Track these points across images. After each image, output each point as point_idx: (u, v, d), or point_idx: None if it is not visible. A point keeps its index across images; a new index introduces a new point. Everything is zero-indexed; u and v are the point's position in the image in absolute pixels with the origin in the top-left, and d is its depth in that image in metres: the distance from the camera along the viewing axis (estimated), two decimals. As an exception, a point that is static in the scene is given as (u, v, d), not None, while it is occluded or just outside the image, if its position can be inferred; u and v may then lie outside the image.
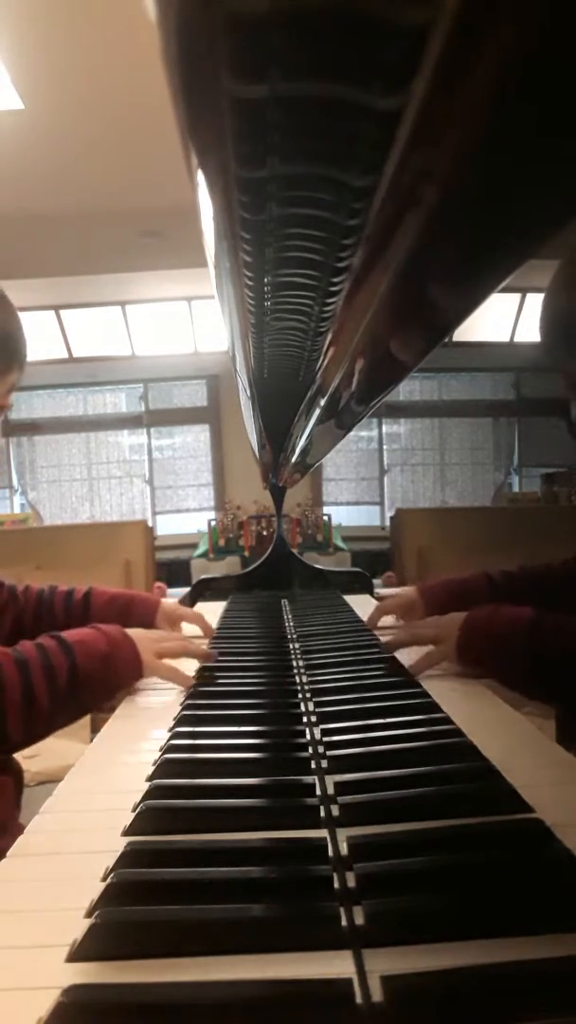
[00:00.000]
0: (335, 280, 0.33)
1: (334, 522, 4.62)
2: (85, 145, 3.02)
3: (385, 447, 6.48)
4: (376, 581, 1.70)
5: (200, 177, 0.25)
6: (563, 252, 0.67)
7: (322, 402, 0.68)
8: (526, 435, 6.36)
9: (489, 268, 0.29)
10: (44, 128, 2.90)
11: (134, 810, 0.48)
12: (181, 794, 0.51)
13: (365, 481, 6.46)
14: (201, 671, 0.85)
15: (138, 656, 0.79)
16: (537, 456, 6.22)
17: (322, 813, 0.47)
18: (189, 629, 1.17)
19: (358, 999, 0.30)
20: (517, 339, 5.09)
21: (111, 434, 6.48)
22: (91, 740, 0.67)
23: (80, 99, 2.72)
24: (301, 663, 0.90)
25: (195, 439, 6.42)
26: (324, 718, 0.66)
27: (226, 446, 6.20)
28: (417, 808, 0.46)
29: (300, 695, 0.75)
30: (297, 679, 0.83)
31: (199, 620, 1.15)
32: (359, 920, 0.35)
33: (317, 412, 0.74)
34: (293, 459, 1.22)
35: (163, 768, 0.56)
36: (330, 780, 0.51)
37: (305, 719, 0.67)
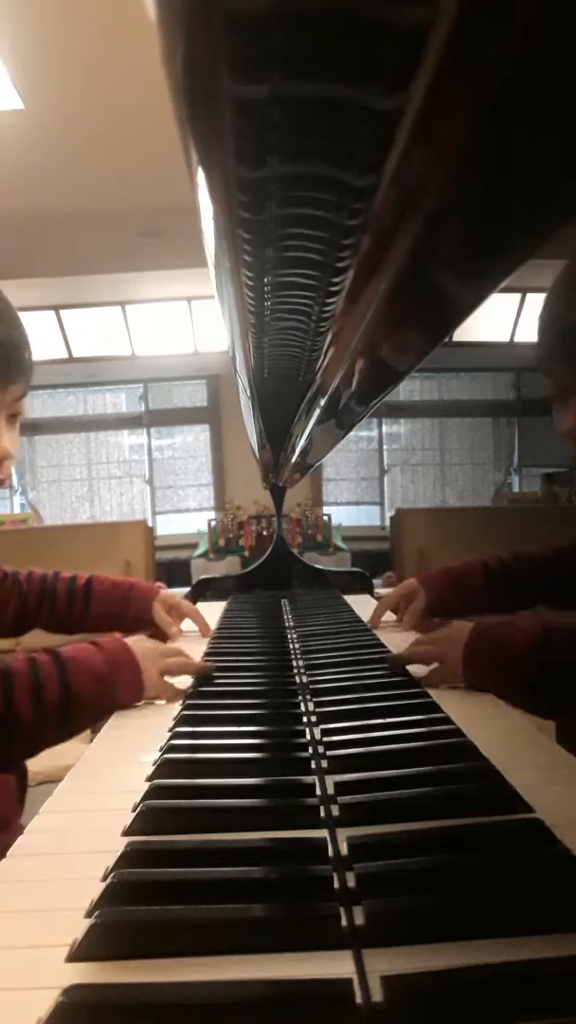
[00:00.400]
0: (335, 280, 0.33)
1: (334, 522, 4.62)
2: (85, 145, 3.02)
3: (385, 447, 6.48)
4: (376, 581, 1.70)
5: (200, 177, 0.25)
6: (567, 253, 0.66)
7: (322, 402, 0.68)
8: (526, 435, 6.36)
9: (489, 268, 0.29)
10: (44, 128, 2.90)
11: (134, 810, 0.48)
12: (181, 794, 0.51)
13: (365, 481, 6.47)
14: (198, 681, 0.82)
15: (139, 677, 0.75)
16: (537, 456, 6.22)
17: (322, 813, 0.47)
18: (187, 627, 1.17)
19: (358, 999, 0.30)
20: (517, 339, 5.09)
21: (111, 434, 6.48)
22: (91, 740, 0.67)
23: (80, 99, 2.71)
24: (301, 663, 0.90)
25: (195, 439, 6.42)
26: (324, 718, 0.66)
27: (226, 446, 6.20)
28: (417, 808, 0.46)
29: (300, 695, 0.75)
30: (297, 679, 0.83)
31: (197, 616, 1.16)
32: (359, 920, 0.35)
33: (317, 412, 0.74)
34: (293, 459, 1.22)
35: (163, 768, 0.56)
36: (330, 780, 0.51)
37: (305, 719, 0.67)
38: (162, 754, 0.59)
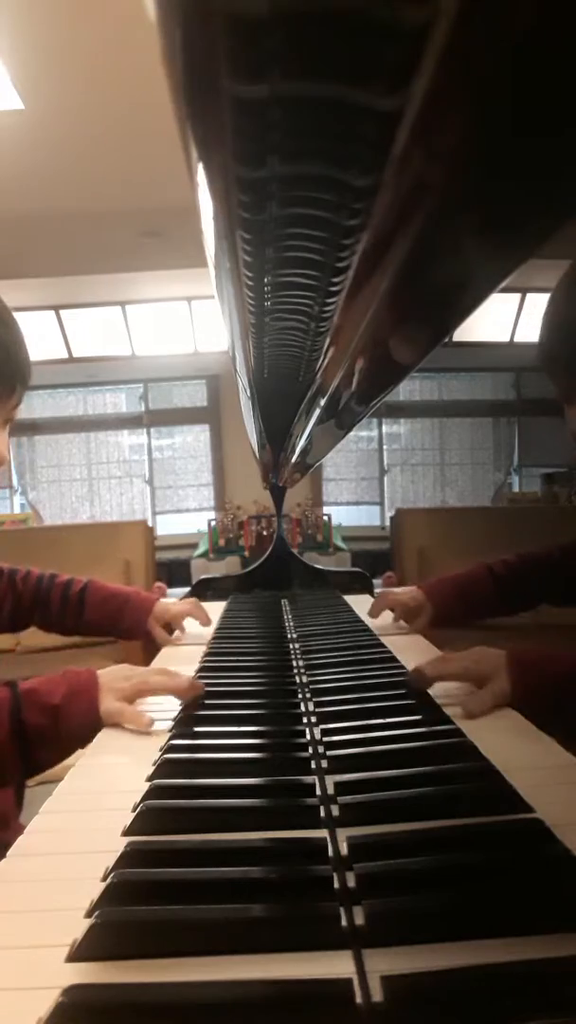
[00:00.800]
0: (335, 280, 0.33)
1: (334, 522, 4.62)
2: (85, 145, 3.02)
3: (385, 447, 6.48)
4: (376, 581, 1.70)
5: (200, 177, 0.25)
6: (568, 253, 0.66)
7: (322, 402, 0.68)
8: (526, 435, 6.36)
9: (489, 268, 0.29)
10: (44, 128, 2.90)
11: (134, 810, 0.48)
12: (181, 794, 0.51)
13: (365, 481, 6.46)
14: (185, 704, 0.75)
15: (95, 705, 0.68)
16: (537, 456, 6.22)
17: (322, 813, 0.47)
18: (191, 626, 1.17)
19: (358, 999, 0.30)
20: (517, 339, 5.08)
21: (111, 434, 6.48)
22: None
23: (80, 99, 2.71)
24: (301, 663, 0.90)
25: (195, 439, 6.42)
26: (324, 718, 0.66)
27: (226, 446, 6.20)
28: (417, 808, 0.46)
29: (300, 695, 0.75)
30: (297, 679, 0.83)
31: (194, 610, 1.15)
32: (359, 920, 0.35)
33: (317, 412, 0.74)
34: (293, 459, 1.22)
35: (163, 768, 0.56)
36: (330, 780, 0.51)
37: (305, 719, 0.67)
38: (162, 754, 0.59)
